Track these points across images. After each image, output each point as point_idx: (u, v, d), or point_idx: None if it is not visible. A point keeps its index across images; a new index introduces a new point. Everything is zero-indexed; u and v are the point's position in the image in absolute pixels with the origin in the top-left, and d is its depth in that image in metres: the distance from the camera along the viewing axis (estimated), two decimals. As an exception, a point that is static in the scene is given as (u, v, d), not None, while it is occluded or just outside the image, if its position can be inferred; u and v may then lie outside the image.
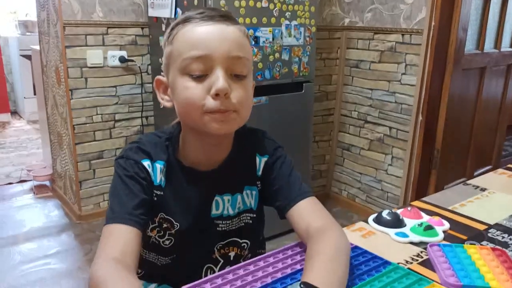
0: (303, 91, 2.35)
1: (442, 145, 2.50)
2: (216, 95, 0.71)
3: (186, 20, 0.75)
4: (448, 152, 2.57)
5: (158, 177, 0.81)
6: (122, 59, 2.41)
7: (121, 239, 0.70)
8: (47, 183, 3.07)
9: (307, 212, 0.80)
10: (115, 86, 2.45)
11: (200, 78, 0.73)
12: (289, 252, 0.80)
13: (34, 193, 2.97)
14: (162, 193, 0.82)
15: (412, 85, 2.40)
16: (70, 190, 2.62)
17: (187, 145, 0.83)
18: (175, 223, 0.83)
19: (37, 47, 2.84)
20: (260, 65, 2.12)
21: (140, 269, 0.92)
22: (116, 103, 2.48)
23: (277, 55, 2.17)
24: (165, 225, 0.83)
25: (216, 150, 0.83)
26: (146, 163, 0.80)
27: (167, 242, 0.85)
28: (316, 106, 2.73)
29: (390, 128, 2.57)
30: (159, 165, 0.81)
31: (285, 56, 2.21)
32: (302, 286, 0.59)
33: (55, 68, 2.48)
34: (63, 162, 2.68)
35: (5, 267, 2.10)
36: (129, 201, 0.75)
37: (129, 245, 0.70)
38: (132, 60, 2.45)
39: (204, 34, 0.72)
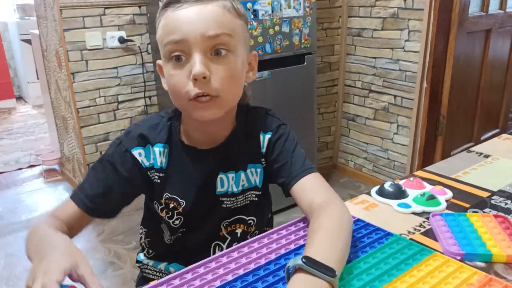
0: (305, 63, 2.33)
1: (447, 111, 2.48)
2: (195, 80, 0.71)
3: (166, 6, 0.75)
4: (454, 117, 2.55)
5: (159, 160, 0.83)
6: (121, 40, 2.39)
7: (68, 213, 0.78)
8: (56, 167, 3.11)
9: (310, 188, 0.80)
10: (116, 67, 2.44)
11: (181, 63, 0.73)
12: (293, 228, 0.82)
13: (44, 177, 3.01)
14: (164, 174, 0.84)
15: (416, 52, 2.37)
16: (79, 173, 2.66)
17: (187, 125, 0.83)
18: (180, 200, 0.84)
19: (36, 31, 2.82)
20: (260, 39, 2.10)
21: (152, 249, 0.95)
22: (118, 85, 2.47)
23: (277, 28, 2.14)
24: (171, 205, 0.85)
25: (216, 129, 0.83)
26: (137, 151, 0.82)
27: (177, 222, 0.87)
28: (319, 77, 2.71)
29: (395, 96, 2.54)
30: (157, 148, 0.83)
31: (285, 29, 2.18)
32: (303, 260, 0.60)
33: (55, 52, 2.47)
34: (70, 145, 2.70)
35: (21, 251, 2.15)
36: (93, 186, 0.80)
37: (73, 220, 0.78)
38: (132, 40, 2.43)
39: (179, 18, 0.72)
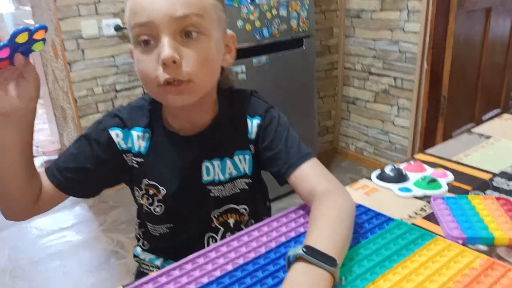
0: (304, 47, 2.30)
1: (448, 91, 2.45)
2: (164, 65, 0.67)
3: None
4: (455, 98, 2.53)
5: (136, 144, 0.81)
6: (117, 28, 2.36)
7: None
8: (57, 157, 3.10)
9: (311, 176, 0.77)
10: (112, 56, 2.42)
11: (149, 47, 0.68)
12: (293, 215, 0.81)
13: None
14: (143, 159, 0.81)
15: (416, 33, 2.34)
16: (80, 163, 2.65)
17: (166, 111, 0.81)
18: (160, 187, 0.82)
19: (32, 22, 2.79)
20: (257, 24, 2.07)
21: (147, 241, 0.93)
22: (116, 73, 2.45)
23: (274, 11, 2.11)
24: (151, 192, 0.83)
25: (196, 115, 0.80)
26: (115, 132, 0.80)
27: (158, 209, 0.84)
28: (318, 61, 2.69)
29: (395, 78, 2.52)
30: (135, 132, 0.81)
31: (283, 12, 2.15)
32: (304, 249, 0.59)
33: (51, 41, 2.45)
34: (70, 136, 2.69)
35: (24, 242, 2.17)
36: (67, 160, 0.79)
37: (44, 191, 0.77)
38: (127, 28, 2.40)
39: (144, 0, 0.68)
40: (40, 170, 0.78)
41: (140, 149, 0.81)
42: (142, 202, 0.85)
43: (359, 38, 2.66)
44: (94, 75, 2.40)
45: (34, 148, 2.98)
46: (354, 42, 2.70)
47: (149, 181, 0.82)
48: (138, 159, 0.81)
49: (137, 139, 0.81)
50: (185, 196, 0.83)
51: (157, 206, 0.84)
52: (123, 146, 0.81)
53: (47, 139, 3.27)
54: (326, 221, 0.66)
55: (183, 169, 0.81)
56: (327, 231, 0.64)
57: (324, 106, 2.89)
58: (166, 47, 0.66)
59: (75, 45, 2.31)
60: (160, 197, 0.83)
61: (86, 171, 0.79)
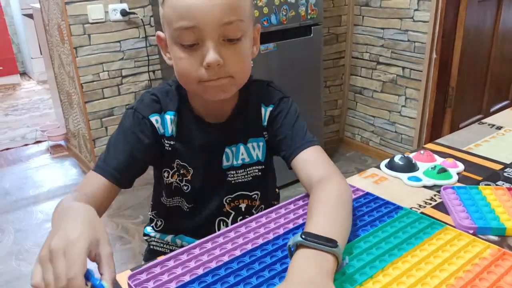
0: (311, 35, 2.28)
1: (457, 82, 2.43)
2: (208, 67, 0.70)
3: None
4: (463, 89, 2.50)
5: (170, 128, 0.82)
6: (123, 12, 2.34)
7: (95, 187, 0.75)
8: (62, 142, 3.11)
9: (309, 162, 0.79)
10: (119, 41, 2.40)
11: (192, 48, 0.71)
12: (300, 203, 0.80)
13: (50, 153, 3.02)
14: (174, 142, 0.83)
15: (425, 22, 2.30)
16: (85, 148, 2.65)
17: (193, 97, 0.83)
18: (189, 168, 0.85)
19: (38, 5, 2.77)
20: (265, 10, 2.04)
21: (161, 220, 0.95)
22: (122, 59, 2.44)
23: (282, -2, 2.08)
24: (182, 171, 0.85)
25: (222, 105, 0.83)
26: (154, 118, 0.81)
27: (185, 188, 0.87)
28: (326, 49, 2.66)
29: (403, 68, 2.49)
30: (168, 116, 0.82)
31: (291, -1, 2.12)
32: (303, 236, 0.58)
33: (57, 26, 2.43)
34: (75, 121, 2.69)
35: (29, 226, 2.18)
36: (119, 157, 0.78)
37: (100, 194, 0.75)
38: (134, 13, 2.38)
39: (191, 2, 0.67)
40: (90, 171, 0.78)
41: (172, 132, 0.83)
42: (172, 179, 0.87)
43: (368, 27, 2.63)
44: (100, 61, 2.38)
45: (39, 132, 2.98)
46: (362, 31, 2.67)
47: (180, 162, 0.85)
48: (171, 142, 0.83)
49: (170, 123, 0.82)
50: (207, 180, 0.86)
51: (184, 185, 0.87)
52: (162, 131, 0.83)
53: (53, 124, 3.27)
54: (323, 206, 0.67)
55: (207, 153, 0.84)
56: (324, 216, 0.65)
57: (330, 95, 2.87)
58: (211, 52, 0.69)
59: (82, 30, 2.29)
60: (188, 177, 0.85)
61: (137, 163, 0.80)
